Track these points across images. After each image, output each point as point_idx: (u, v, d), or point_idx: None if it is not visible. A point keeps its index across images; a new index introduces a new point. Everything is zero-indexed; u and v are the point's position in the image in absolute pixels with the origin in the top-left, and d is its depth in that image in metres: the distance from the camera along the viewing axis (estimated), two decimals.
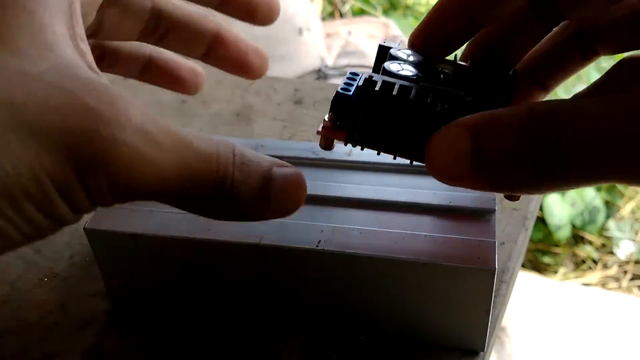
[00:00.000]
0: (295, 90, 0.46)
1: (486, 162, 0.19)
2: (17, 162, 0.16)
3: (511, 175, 0.19)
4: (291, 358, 0.27)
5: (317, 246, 0.25)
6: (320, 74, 1.25)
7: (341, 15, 1.85)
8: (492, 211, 0.27)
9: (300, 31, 1.22)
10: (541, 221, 1.23)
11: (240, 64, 0.31)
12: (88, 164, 0.17)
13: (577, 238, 1.25)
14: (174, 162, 0.18)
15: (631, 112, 0.17)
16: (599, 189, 1.29)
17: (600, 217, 1.23)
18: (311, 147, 0.31)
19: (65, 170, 0.17)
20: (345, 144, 0.23)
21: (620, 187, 1.31)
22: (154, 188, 0.18)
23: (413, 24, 2.02)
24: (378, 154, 0.23)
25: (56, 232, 0.18)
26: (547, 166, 0.18)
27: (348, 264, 0.25)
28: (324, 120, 0.23)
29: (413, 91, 0.21)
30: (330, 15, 1.86)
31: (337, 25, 1.47)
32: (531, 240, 1.22)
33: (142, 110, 0.18)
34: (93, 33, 0.27)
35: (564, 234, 1.21)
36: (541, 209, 1.21)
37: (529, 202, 0.35)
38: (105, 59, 0.31)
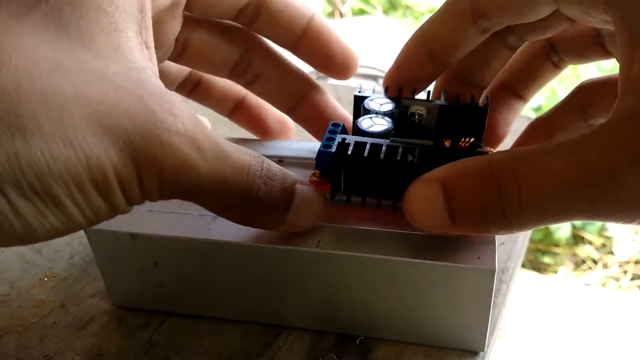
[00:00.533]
0: None
1: (459, 213, 0.21)
2: (88, 153, 0.17)
3: (482, 223, 0.21)
4: (291, 358, 0.27)
5: (316, 247, 0.25)
6: (320, 75, 1.25)
7: (341, 15, 1.85)
8: None
9: None
10: None
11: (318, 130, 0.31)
12: (146, 162, 0.18)
13: (577, 238, 1.25)
14: (212, 169, 0.20)
15: (581, 161, 0.19)
16: None
17: None
18: (311, 147, 0.31)
19: (127, 166, 0.18)
20: (332, 198, 0.25)
21: None
22: (192, 190, 0.20)
23: (413, 23, 2.02)
24: (363, 202, 0.25)
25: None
26: (512, 213, 0.20)
27: (347, 265, 0.25)
28: (312, 174, 0.26)
29: (383, 148, 0.23)
30: (330, 15, 1.86)
31: (337, 25, 1.47)
32: (531, 240, 1.22)
33: (193, 119, 0.20)
34: (178, 55, 0.28)
35: (564, 234, 1.21)
36: None
37: None
38: (200, 89, 0.32)
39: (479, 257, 0.24)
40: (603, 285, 1.16)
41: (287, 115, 0.32)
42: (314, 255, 0.25)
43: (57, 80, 0.17)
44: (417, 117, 0.27)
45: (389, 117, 0.26)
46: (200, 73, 0.32)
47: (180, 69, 0.31)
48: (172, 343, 0.28)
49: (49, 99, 0.17)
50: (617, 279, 1.18)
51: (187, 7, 0.26)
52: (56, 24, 0.18)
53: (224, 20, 0.28)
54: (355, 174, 0.24)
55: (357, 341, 0.27)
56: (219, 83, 0.32)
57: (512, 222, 0.20)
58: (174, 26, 0.26)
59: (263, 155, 0.23)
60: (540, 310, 1.02)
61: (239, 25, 0.29)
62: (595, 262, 1.21)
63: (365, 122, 0.25)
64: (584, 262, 1.21)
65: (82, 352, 0.27)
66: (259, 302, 0.28)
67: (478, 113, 0.26)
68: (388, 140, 0.24)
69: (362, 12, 1.87)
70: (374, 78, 1.29)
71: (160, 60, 0.27)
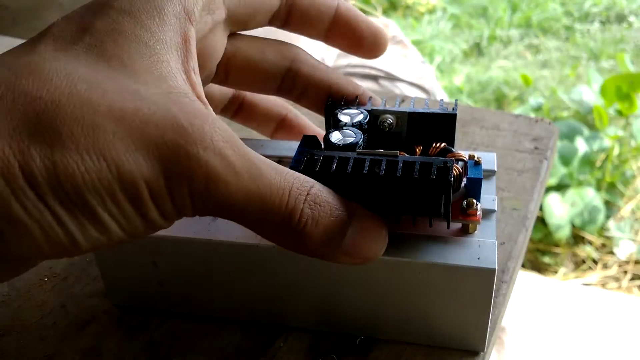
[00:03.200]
0: None
1: None
2: (119, 165, 0.18)
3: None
4: (291, 358, 0.27)
5: None
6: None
7: None
8: (492, 211, 0.27)
9: None
10: (541, 221, 1.23)
11: None
12: (175, 175, 0.19)
13: (577, 238, 1.25)
14: (244, 187, 0.20)
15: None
16: (599, 189, 1.30)
17: (600, 217, 1.23)
18: None
19: (157, 179, 0.19)
20: None
21: (620, 187, 1.32)
22: (226, 207, 0.20)
23: (413, 24, 2.02)
24: None
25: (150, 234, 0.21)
26: None
27: (347, 265, 0.25)
28: None
29: (350, 162, 0.23)
30: None
31: None
32: (531, 240, 1.22)
33: (226, 136, 0.20)
34: (223, 77, 0.28)
35: (564, 234, 1.21)
36: (541, 209, 1.21)
37: (529, 202, 0.35)
38: (244, 110, 0.33)
39: (479, 257, 0.24)
40: (603, 285, 1.16)
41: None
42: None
43: (94, 99, 0.18)
44: (387, 125, 0.27)
45: (358, 128, 0.26)
46: (243, 94, 0.32)
47: (223, 92, 0.32)
48: (172, 343, 0.28)
49: (84, 116, 0.18)
50: (617, 279, 1.18)
51: (225, 25, 0.26)
52: (98, 54, 0.20)
53: (265, 37, 0.29)
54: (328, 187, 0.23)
55: (357, 341, 0.27)
56: (261, 103, 0.32)
57: None
58: (218, 47, 0.26)
59: (263, 155, 0.23)
60: (540, 310, 1.02)
61: (279, 40, 0.29)
62: (595, 262, 1.21)
63: (334, 136, 0.25)
64: (584, 262, 1.21)
65: (82, 352, 0.27)
66: (259, 302, 0.28)
67: (447, 118, 0.27)
68: (355, 153, 0.24)
69: (362, 12, 1.87)
70: (374, 78, 1.28)
71: (204, 82, 0.27)
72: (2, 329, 0.29)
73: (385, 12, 1.93)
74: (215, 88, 0.31)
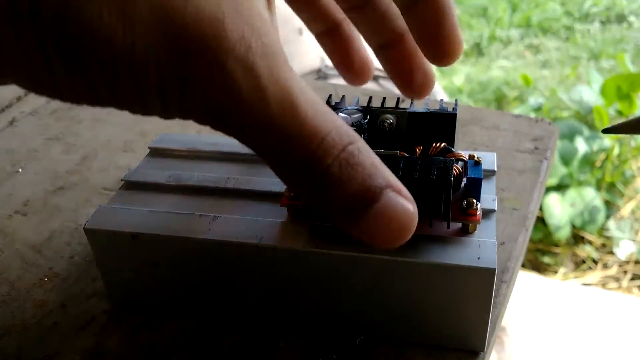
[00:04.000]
0: None
1: None
2: (136, 40, 0.16)
3: None
4: (291, 358, 0.27)
5: (316, 247, 0.25)
6: (320, 74, 1.25)
7: None
8: (492, 211, 0.27)
9: (300, 31, 1.22)
10: (541, 221, 1.23)
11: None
12: (193, 75, 0.17)
13: (577, 238, 1.25)
14: (268, 116, 0.18)
15: None
16: (599, 189, 1.30)
17: (600, 217, 1.23)
18: None
19: (173, 69, 0.17)
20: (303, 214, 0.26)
21: (620, 187, 1.32)
22: (241, 129, 0.18)
23: None
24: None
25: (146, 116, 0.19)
26: None
27: (347, 265, 0.25)
28: (287, 189, 0.26)
29: None
30: None
31: None
32: (531, 240, 1.22)
33: (269, 51, 0.18)
34: None
35: (564, 234, 1.21)
36: (541, 209, 1.21)
37: (529, 202, 0.35)
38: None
39: (479, 257, 0.24)
40: (603, 285, 1.16)
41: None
42: (313, 255, 0.25)
43: None
44: (387, 125, 0.27)
45: (357, 127, 0.26)
46: None
47: None
48: (172, 343, 0.28)
49: None
50: (617, 279, 1.18)
51: None
52: None
53: None
54: None
55: (357, 341, 0.27)
56: (321, 2, 0.30)
57: None
58: None
59: None
60: (541, 310, 1.02)
61: None
62: (595, 262, 1.21)
63: None
64: (584, 262, 1.21)
65: (82, 352, 0.27)
66: (259, 302, 0.28)
67: (447, 118, 0.27)
68: None
69: None
70: (374, 78, 1.28)
71: None
72: (2, 329, 0.29)
73: None
74: None
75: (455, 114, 0.26)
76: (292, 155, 0.18)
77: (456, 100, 0.29)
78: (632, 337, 0.97)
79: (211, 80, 0.17)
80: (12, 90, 0.49)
